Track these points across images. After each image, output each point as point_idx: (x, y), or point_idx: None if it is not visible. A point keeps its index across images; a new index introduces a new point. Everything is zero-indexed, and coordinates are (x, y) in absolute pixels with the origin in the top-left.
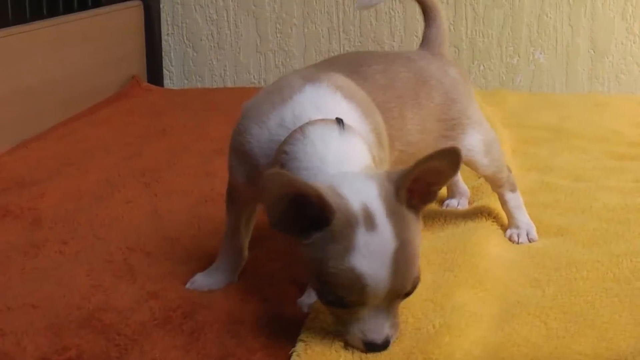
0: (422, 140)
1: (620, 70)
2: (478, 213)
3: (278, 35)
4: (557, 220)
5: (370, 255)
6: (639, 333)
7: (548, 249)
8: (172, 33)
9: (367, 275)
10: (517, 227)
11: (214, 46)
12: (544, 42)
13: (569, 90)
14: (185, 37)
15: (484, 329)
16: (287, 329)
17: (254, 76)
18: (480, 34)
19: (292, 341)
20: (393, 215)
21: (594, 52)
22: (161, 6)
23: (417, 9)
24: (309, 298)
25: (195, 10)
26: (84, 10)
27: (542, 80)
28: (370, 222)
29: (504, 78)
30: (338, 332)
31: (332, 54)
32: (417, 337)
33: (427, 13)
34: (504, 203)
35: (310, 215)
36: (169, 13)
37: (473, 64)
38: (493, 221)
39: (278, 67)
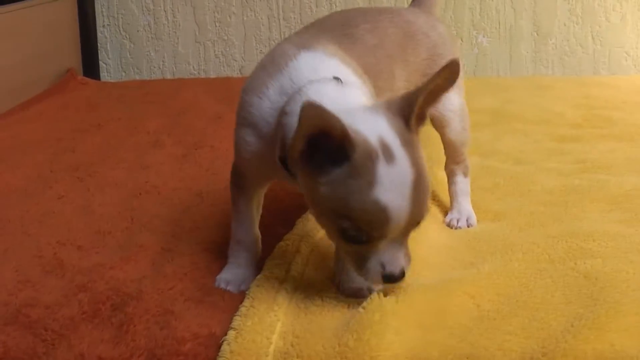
0: None
1: (564, 52)
2: None
3: (217, 24)
4: (495, 205)
5: (392, 188)
6: (570, 312)
7: (484, 233)
8: (107, 24)
9: (392, 207)
10: (459, 213)
11: (152, 37)
12: (487, 25)
13: (513, 73)
14: (121, 28)
15: (416, 312)
16: (217, 317)
17: (193, 67)
18: None
19: (223, 330)
20: (407, 145)
21: (537, 34)
22: None
23: None
24: (227, 273)
25: (131, 0)
26: (14, 2)
27: (486, 64)
28: (388, 154)
29: None
30: (355, 270)
31: (273, 42)
32: (348, 318)
33: None
34: (452, 184)
35: (326, 150)
36: (103, 4)
37: None
38: (432, 202)
39: (218, 56)
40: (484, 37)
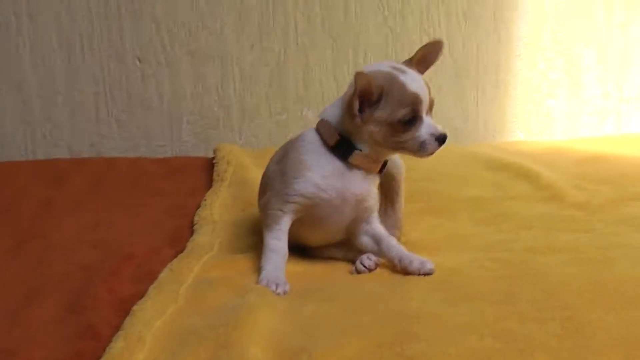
0: None
1: None
2: None
3: (43, 104)
4: (326, 285)
5: (413, 82)
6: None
7: (317, 316)
8: None
9: (419, 91)
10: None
11: None
12: (311, 98)
13: None
14: None
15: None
16: None
17: (21, 148)
18: (249, 93)
19: None
20: (411, 68)
21: None
22: None
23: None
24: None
25: None
26: None
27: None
28: (401, 71)
29: (275, 135)
30: (413, 149)
31: (101, 122)
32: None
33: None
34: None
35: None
36: None
37: (243, 122)
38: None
39: (45, 137)
40: (308, 109)
